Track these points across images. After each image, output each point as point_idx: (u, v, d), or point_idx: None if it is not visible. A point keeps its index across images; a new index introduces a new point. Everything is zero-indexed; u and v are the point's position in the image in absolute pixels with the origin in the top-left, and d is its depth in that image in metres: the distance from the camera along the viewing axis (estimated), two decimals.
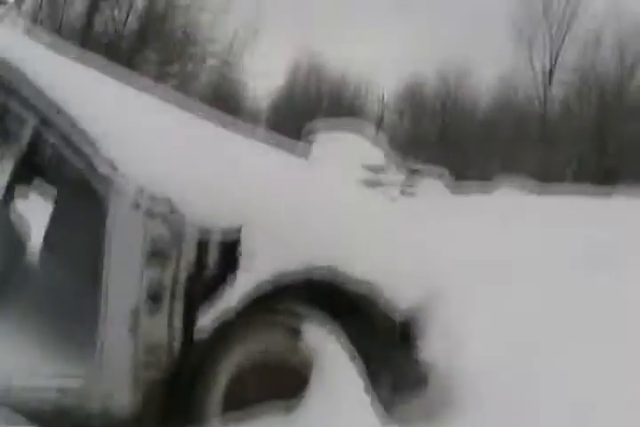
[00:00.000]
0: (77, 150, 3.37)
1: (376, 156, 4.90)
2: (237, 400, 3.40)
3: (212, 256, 3.34)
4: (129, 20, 25.85)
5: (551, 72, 47.61)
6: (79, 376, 3.31)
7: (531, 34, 47.60)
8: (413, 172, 29.62)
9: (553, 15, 47.27)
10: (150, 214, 3.27)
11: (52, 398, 3.27)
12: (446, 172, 34.19)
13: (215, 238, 3.34)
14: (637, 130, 39.79)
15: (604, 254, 6.14)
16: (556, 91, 48.02)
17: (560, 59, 47.49)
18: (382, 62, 68.27)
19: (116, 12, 25.62)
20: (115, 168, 3.29)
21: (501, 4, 49.04)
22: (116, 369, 3.29)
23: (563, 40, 47.42)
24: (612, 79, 45.06)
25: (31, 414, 3.16)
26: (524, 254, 5.92)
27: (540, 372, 4.06)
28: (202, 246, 3.32)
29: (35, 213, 4.40)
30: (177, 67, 25.04)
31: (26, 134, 3.81)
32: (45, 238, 4.19)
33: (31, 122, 3.68)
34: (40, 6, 24.39)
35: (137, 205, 3.27)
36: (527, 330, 4.43)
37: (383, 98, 54.56)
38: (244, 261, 3.33)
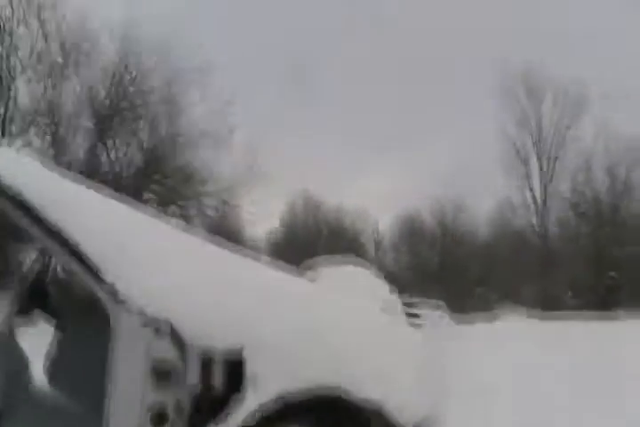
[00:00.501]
0: (82, 273, 3.38)
1: (380, 285, 4.96)
2: None
3: (217, 374, 3.32)
4: (133, 160, 26.42)
5: (545, 200, 48.32)
6: None
7: (522, 165, 48.69)
8: (411, 305, 29.61)
9: (542, 145, 48.50)
10: (155, 331, 3.27)
11: None
12: (444, 304, 34.23)
13: (219, 358, 3.32)
14: (634, 252, 39.92)
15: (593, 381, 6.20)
16: (552, 218, 48.61)
17: (552, 187, 48.34)
18: (377, 199, 69.50)
19: (119, 153, 26.22)
20: (117, 290, 3.31)
21: (492, 138, 50.51)
22: None
23: (554, 168, 48.43)
24: (605, 202, 45.63)
25: None
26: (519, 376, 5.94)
27: None
28: (207, 364, 3.31)
29: (38, 339, 4.41)
30: (175, 209, 25.36)
31: (28, 265, 3.83)
32: (49, 365, 4.15)
33: (33, 251, 3.72)
34: (43, 136, 24.94)
35: (144, 324, 3.27)
36: None
37: (379, 234, 55.07)
38: (249, 382, 3.29)
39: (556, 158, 48.45)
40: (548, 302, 36.46)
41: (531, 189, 48.87)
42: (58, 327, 4.40)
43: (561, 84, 46.88)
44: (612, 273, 40.19)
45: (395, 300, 4.63)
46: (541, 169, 48.84)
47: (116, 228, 3.69)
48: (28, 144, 23.82)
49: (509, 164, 48.78)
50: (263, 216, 28.56)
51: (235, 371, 3.32)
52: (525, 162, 48.92)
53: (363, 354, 3.64)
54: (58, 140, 24.80)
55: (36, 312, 4.64)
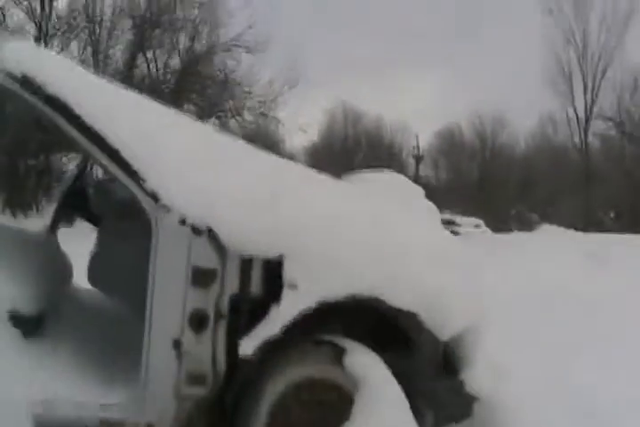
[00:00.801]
0: (124, 178, 3.39)
1: (417, 191, 4.89)
2: (282, 424, 3.39)
3: (256, 279, 3.36)
4: (170, 63, 26.31)
5: (588, 118, 47.50)
6: (123, 403, 3.30)
7: (566, 81, 47.74)
8: (450, 222, 29.65)
9: (588, 62, 47.45)
10: (196, 231, 3.29)
11: (97, 424, 3.27)
12: (482, 222, 34.23)
13: (259, 264, 3.36)
14: None
15: None
16: (595, 136, 47.93)
17: (596, 105, 47.47)
18: (418, 113, 68.81)
19: (157, 55, 26.09)
20: (159, 196, 3.33)
21: (537, 54, 49.38)
22: (159, 396, 3.29)
23: (599, 86, 47.45)
24: None
25: None
26: (568, 284, 5.89)
27: (585, 404, 3.99)
28: (246, 269, 3.34)
29: (80, 242, 4.47)
30: (214, 120, 25.29)
31: (69, 171, 3.84)
32: (90, 266, 4.22)
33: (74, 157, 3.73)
34: (83, 49, 24.88)
35: (183, 222, 3.29)
36: (570, 359, 4.38)
37: (419, 148, 54.67)
38: (287, 288, 3.32)
39: (602, 76, 47.41)
40: (589, 222, 36.26)
41: (574, 106, 48.03)
42: (100, 232, 4.45)
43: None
44: None
45: (432, 207, 4.57)
46: (586, 86, 47.83)
47: (157, 131, 3.67)
48: (70, 57, 23.73)
49: (553, 80, 47.82)
50: (302, 129, 28.25)
51: (274, 277, 3.35)
52: (570, 78, 47.90)
53: (402, 262, 3.62)
54: (98, 52, 24.71)
55: (78, 217, 4.72)
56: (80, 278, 4.44)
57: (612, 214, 42.80)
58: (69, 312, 3.99)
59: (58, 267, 4.25)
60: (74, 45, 24.68)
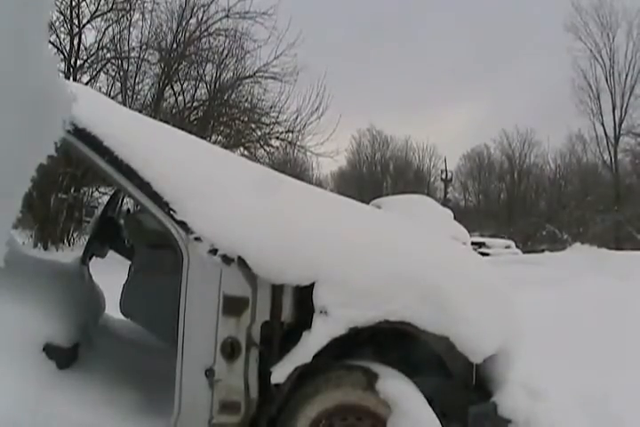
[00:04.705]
0: (153, 208, 3.45)
1: (448, 214, 4.92)
2: None
3: (288, 306, 3.39)
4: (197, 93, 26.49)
5: (617, 136, 47.24)
6: None
7: (594, 99, 47.60)
8: (480, 244, 29.43)
9: (616, 79, 47.34)
10: (226, 261, 3.34)
11: None
12: (513, 244, 33.97)
13: (289, 292, 3.39)
14: None
15: None
16: (624, 154, 47.65)
17: (625, 122, 47.24)
18: (445, 135, 68.80)
19: (185, 85, 26.29)
20: (189, 228, 3.38)
21: (564, 73, 49.30)
22: (193, 423, 3.31)
23: (628, 103, 47.23)
24: None
25: None
26: (596, 305, 5.85)
27: (620, 423, 3.96)
28: (277, 296, 3.37)
29: (112, 273, 4.52)
30: (241, 151, 25.40)
31: (102, 205, 3.89)
32: (123, 296, 4.27)
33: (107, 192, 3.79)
34: (112, 84, 25.12)
35: (213, 252, 3.34)
36: (608, 381, 4.35)
37: (447, 171, 54.48)
38: (318, 314, 3.34)
39: (631, 92, 47.24)
40: (621, 241, 35.92)
41: (603, 124, 47.80)
42: (132, 262, 4.50)
43: (634, 16, 45.56)
44: None
45: (460, 227, 4.58)
46: (614, 103, 47.67)
47: (187, 162, 3.74)
48: (99, 91, 24.01)
49: (581, 98, 47.74)
50: (330, 156, 28.27)
51: (304, 305, 3.38)
52: (598, 96, 47.77)
53: (432, 286, 3.59)
54: (126, 86, 24.96)
55: (110, 248, 4.78)
56: (113, 309, 4.49)
57: (638, 231, 42.30)
58: (102, 343, 4.04)
59: (90, 298, 4.31)
60: (102, 79, 24.98)
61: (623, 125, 47.24)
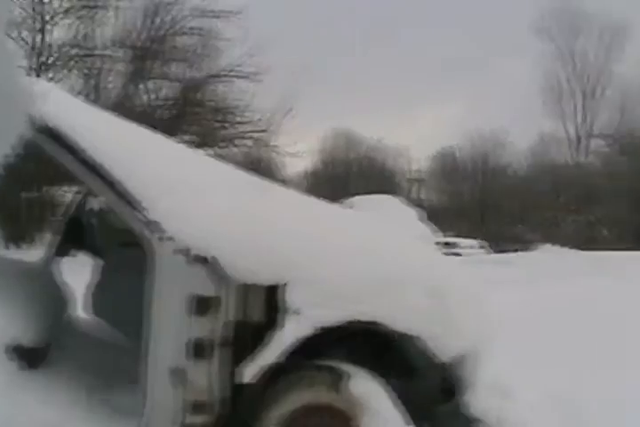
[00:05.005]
0: (122, 208, 3.42)
1: (413, 215, 4.92)
2: None
3: (257, 305, 3.38)
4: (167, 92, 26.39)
5: (584, 137, 47.82)
6: None
7: (561, 101, 48.13)
8: (450, 245, 29.57)
9: (583, 81, 47.85)
10: (196, 260, 3.32)
11: None
12: (483, 243, 34.21)
13: (259, 291, 3.37)
14: None
15: None
16: (591, 154, 48.19)
17: (593, 123, 47.81)
18: (415, 135, 69.13)
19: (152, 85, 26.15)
20: (159, 226, 3.35)
21: (532, 75, 49.76)
22: (162, 424, 3.28)
23: (594, 104, 47.85)
24: None
25: None
26: (567, 305, 5.89)
27: (590, 422, 3.99)
28: (246, 295, 3.36)
29: (80, 272, 4.49)
30: (211, 150, 25.31)
31: (69, 203, 3.86)
32: (91, 296, 4.24)
33: (75, 190, 3.75)
34: (82, 81, 24.92)
35: (183, 251, 3.31)
36: (578, 378, 4.38)
37: (418, 171, 54.58)
38: (288, 313, 3.33)
39: (597, 94, 47.81)
40: (589, 241, 36.20)
41: (572, 125, 48.34)
42: (101, 262, 4.47)
43: (600, 18, 46.02)
44: None
45: (427, 228, 4.59)
46: (582, 105, 48.20)
47: (156, 161, 3.71)
48: (66, 88, 23.79)
49: (549, 100, 48.27)
50: (300, 156, 28.28)
51: (274, 304, 3.36)
52: (565, 98, 48.32)
53: (401, 286, 3.60)
54: (95, 84, 24.78)
55: (77, 249, 4.74)
56: (82, 308, 4.46)
57: (611, 232, 42.72)
58: (71, 343, 4.00)
59: (59, 297, 4.27)
60: (69, 77, 24.76)
61: (593, 127, 47.79)
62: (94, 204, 4.52)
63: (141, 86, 25.96)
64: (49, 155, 3.56)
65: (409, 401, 3.54)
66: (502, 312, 4.58)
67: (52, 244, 4.66)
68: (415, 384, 3.67)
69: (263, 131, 25.95)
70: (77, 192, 4.89)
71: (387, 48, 73.13)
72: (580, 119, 48.55)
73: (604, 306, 6.32)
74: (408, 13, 70.30)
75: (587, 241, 35.48)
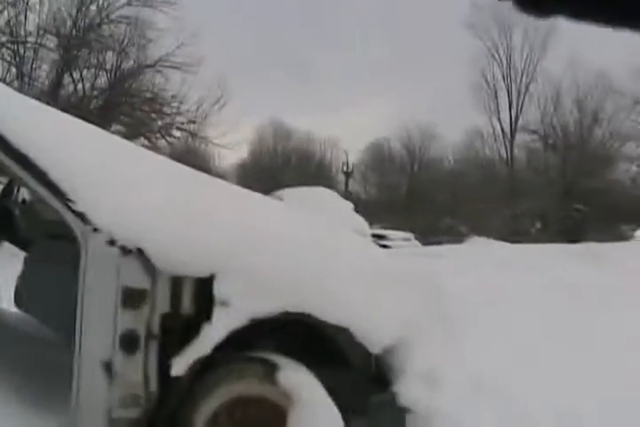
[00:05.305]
0: (50, 199, 3.36)
1: (346, 207, 4.89)
2: None
3: (187, 297, 3.34)
4: (97, 81, 26.06)
5: (513, 131, 48.68)
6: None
7: (492, 96, 48.92)
8: (380, 237, 29.77)
9: (512, 77, 48.71)
10: (125, 252, 3.27)
11: None
12: (412, 236, 34.50)
13: (190, 283, 3.34)
14: (601, 184, 40.38)
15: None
16: (520, 149, 49.11)
17: (521, 118, 48.70)
18: (347, 127, 69.38)
19: (84, 73, 25.76)
20: (87, 218, 3.30)
21: (463, 70, 50.44)
22: (92, 417, 3.24)
23: (523, 100, 48.71)
24: (573, 134, 45.98)
25: None
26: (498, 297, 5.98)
27: (522, 413, 4.05)
28: (177, 287, 3.33)
29: (6, 263, 4.40)
30: (143, 141, 25.06)
31: None
32: (17, 288, 4.16)
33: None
34: (7, 69, 24.44)
35: (111, 243, 3.27)
36: (507, 369, 4.44)
37: (348, 163, 54.86)
38: (218, 305, 3.32)
39: (526, 90, 48.70)
40: (516, 234, 36.86)
41: (500, 120, 49.16)
42: (27, 251, 4.39)
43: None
44: (579, 206, 40.46)
45: (361, 220, 4.63)
46: (511, 101, 49.08)
47: (85, 152, 3.65)
48: None
49: (479, 95, 49.03)
50: (232, 147, 28.22)
51: (205, 296, 3.34)
52: (495, 93, 49.18)
53: (332, 278, 3.64)
54: (23, 72, 24.31)
55: (4, 236, 4.64)
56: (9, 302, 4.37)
57: (537, 225, 43.57)
58: None
59: None
60: None
61: (519, 122, 48.66)
62: (21, 193, 4.43)
63: (71, 75, 25.53)
64: None
65: (341, 393, 3.56)
66: (439, 302, 4.61)
67: None
68: (347, 375, 3.69)
69: (194, 122, 25.82)
70: (5, 183, 4.80)
71: (322, 41, 73.12)
72: (509, 114, 49.38)
73: (528, 296, 6.42)
74: (342, 6, 70.36)
75: (512, 233, 36.14)
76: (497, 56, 48.95)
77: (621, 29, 1.02)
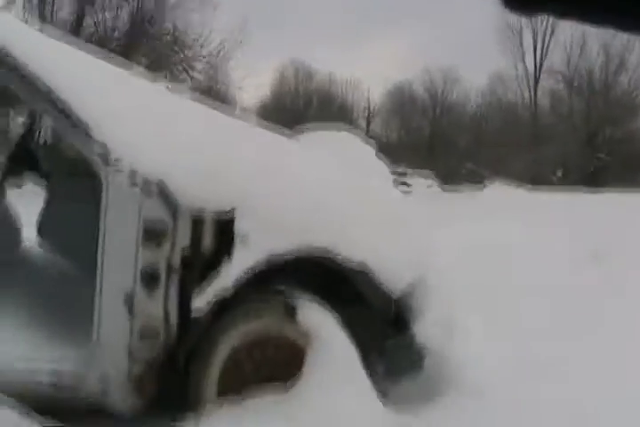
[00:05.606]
0: (73, 134, 3.36)
1: (367, 150, 4.85)
2: (234, 380, 3.40)
3: (208, 234, 3.35)
4: (118, 23, 25.92)
5: (537, 75, 47.99)
6: (76, 359, 3.30)
7: (516, 39, 48.11)
8: (401, 174, 29.78)
9: (538, 19, 47.83)
10: (146, 192, 3.27)
11: (49, 380, 3.27)
12: (432, 174, 34.45)
13: (210, 218, 3.34)
14: (626, 131, 39.94)
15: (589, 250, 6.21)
16: (544, 94, 48.48)
17: (546, 62, 47.96)
18: (369, 70, 68.70)
19: (105, 15, 25.61)
20: (109, 150, 3.29)
21: (486, 13, 49.50)
22: (111, 351, 3.29)
23: (548, 43, 47.88)
24: (599, 79, 45.37)
25: (29, 396, 3.15)
26: (514, 244, 5.96)
27: (535, 358, 4.06)
28: (197, 224, 3.33)
29: (29, 201, 4.42)
30: (165, 74, 24.97)
31: (16, 129, 3.77)
32: (40, 225, 4.19)
33: (21, 116, 3.68)
34: (27, 7, 24.34)
35: (133, 183, 3.27)
36: (521, 316, 4.45)
37: (370, 106, 54.44)
38: (239, 243, 3.32)
39: (552, 32, 47.82)
40: (537, 179, 36.65)
41: (524, 63, 48.43)
42: (49, 189, 4.41)
43: None
44: (601, 155, 40.16)
45: (382, 164, 4.59)
46: (535, 43, 48.26)
47: (107, 87, 3.63)
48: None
49: (504, 37, 48.19)
50: (253, 85, 28.14)
51: (225, 232, 3.35)
52: (520, 36, 48.29)
53: (351, 216, 3.65)
54: (45, 9, 24.17)
55: (27, 175, 4.66)
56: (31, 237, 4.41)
57: (559, 173, 43.27)
58: (21, 273, 3.96)
59: (7, 228, 4.21)
60: (17, 5, 24.12)
61: (543, 66, 47.95)
62: (42, 135, 4.42)
63: (92, 16, 25.38)
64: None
65: (358, 332, 3.58)
66: (455, 247, 4.61)
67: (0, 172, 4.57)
68: (364, 315, 3.70)
69: (216, 55, 25.65)
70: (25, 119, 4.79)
71: None
72: (533, 58, 48.65)
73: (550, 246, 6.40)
74: None
75: (533, 180, 35.95)
76: None
77: (606, 28, 1.02)
